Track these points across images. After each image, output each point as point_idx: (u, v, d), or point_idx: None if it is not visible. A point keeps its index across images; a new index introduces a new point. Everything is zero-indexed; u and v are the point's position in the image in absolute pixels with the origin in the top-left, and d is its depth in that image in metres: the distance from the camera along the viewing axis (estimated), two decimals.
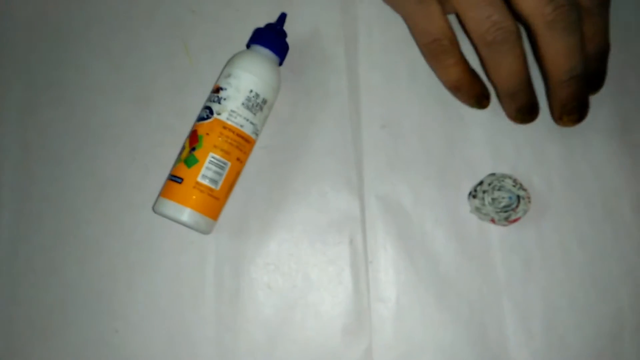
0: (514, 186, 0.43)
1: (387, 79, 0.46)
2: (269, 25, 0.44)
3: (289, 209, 0.44)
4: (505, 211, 0.43)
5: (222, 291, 0.43)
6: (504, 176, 0.44)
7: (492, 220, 0.43)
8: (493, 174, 0.44)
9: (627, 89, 0.47)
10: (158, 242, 0.44)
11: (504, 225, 0.43)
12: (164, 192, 0.41)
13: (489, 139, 0.46)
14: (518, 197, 0.43)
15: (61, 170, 0.44)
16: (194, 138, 0.41)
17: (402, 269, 0.44)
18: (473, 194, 0.44)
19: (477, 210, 0.44)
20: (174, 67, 0.46)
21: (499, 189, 0.43)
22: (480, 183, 0.44)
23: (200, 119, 0.41)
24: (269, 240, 0.44)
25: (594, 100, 0.46)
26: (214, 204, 0.41)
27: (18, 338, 0.42)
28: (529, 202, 0.43)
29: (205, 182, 0.40)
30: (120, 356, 0.42)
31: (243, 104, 0.41)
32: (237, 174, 0.42)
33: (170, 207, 0.40)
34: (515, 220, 0.43)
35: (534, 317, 0.43)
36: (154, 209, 0.41)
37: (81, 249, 0.43)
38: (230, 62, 0.43)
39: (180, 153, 0.41)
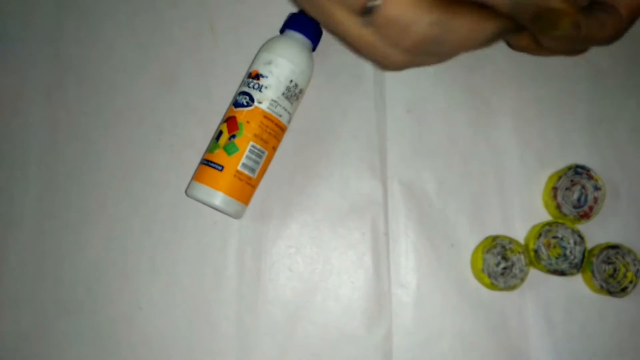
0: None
1: None
2: (304, 11, 0.43)
3: (311, 192, 0.45)
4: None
5: (243, 272, 0.44)
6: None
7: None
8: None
9: None
10: (182, 222, 0.44)
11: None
12: (198, 177, 0.41)
13: (515, 127, 0.46)
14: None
15: (87, 148, 0.45)
16: (233, 125, 0.40)
17: (423, 255, 0.44)
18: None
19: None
20: (200, 47, 0.46)
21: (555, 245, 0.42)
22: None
23: (240, 105, 0.41)
24: (291, 223, 0.44)
25: (622, 92, 0.46)
26: (249, 191, 0.41)
27: (43, 314, 0.43)
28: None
29: (245, 171, 0.40)
30: (144, 332, 0.43)
31: (283, 94, 0.41)
32: (270, 160, 0.42)
33: (206, 192, 0.40)
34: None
35: (555, 306, 0.43)
36: (187, 193, 0.41)
37: (106, 227, 0.44)
38: (269, 48, 0.42)
39: (217, 138, 0.41)
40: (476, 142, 0.45)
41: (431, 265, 0.44)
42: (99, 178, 0.45)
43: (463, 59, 0.46)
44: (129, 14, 0.47)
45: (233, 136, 0.40)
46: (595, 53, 0.47)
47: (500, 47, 0.46)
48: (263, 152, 0.41)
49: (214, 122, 0.44)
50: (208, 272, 0.44)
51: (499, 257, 0.42)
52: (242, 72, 0.44)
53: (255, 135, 0.40)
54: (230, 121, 0.41)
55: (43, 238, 0.44)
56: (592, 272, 0.42)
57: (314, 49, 0.44)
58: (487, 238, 0.44)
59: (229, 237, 0.44)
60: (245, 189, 0.41)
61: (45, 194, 0.44)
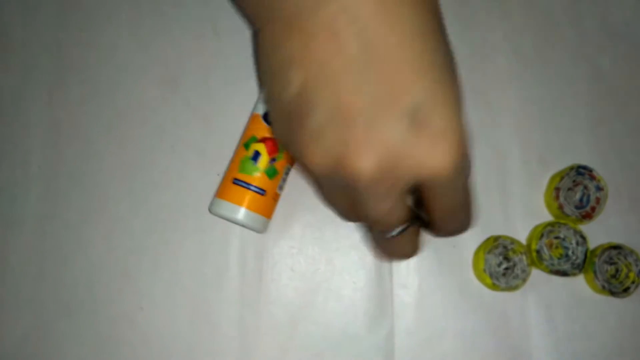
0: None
1: None
2: None
3: (313, 192, 0.45)
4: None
5: (245, 272, 0.43)
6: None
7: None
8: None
9: None
10: (183, 222, 0.44)
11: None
12: (224, 195, 0.40)
13: (517, 127, 0.46)
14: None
15: (89, 149, 0.45)
16: (273, 148, 0.40)
17: (425, 255, 0.44)
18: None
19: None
20: (202, 48, 0.46)
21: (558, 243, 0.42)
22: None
23: None
24: (293, 224, 0.44)
25: (623, 92, 0.46)
26: (275, 206, 0.42)
27: (44, 314, 0.43)
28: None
29: (280, 192, 0.42)
30: (145, 333, 0.43)
31: None
32: None
33: (251, 217, 0.40)
34: None
35: (556, 306, 0.43)
36: (210, 210, 0.42)
37: (107, 227, 0.44)
38: None
39: (255, 159, 0.40)
40: (477, 142, 0.45)
41: (433, 266, 0.44)
42: (100, 178, 0.45)
43: (463, 58, 0.46)
44: (131, 15, 0.47)
45: (274, 159, 0.40)
46: (597, 53, 0.47)
47: (501, 47, 0.46)
48: (289, 170, 0.42)
49: (215, 123, 0.44)
50: (210, 272, 0.43)
51: (501, 258, 0.42)
52: (245, 74, 0.44)
53: (287, 155, 0.41)
54: (268, 142, 0.40)
55: (44, 238, 0.44)
56: (594, 272, 0.42)
57: None
58: (488, 238, 0.44)
59: (230, 238, 0.44)
60: (273, 206, 0.42)
61: (47, 194, 0.44)
